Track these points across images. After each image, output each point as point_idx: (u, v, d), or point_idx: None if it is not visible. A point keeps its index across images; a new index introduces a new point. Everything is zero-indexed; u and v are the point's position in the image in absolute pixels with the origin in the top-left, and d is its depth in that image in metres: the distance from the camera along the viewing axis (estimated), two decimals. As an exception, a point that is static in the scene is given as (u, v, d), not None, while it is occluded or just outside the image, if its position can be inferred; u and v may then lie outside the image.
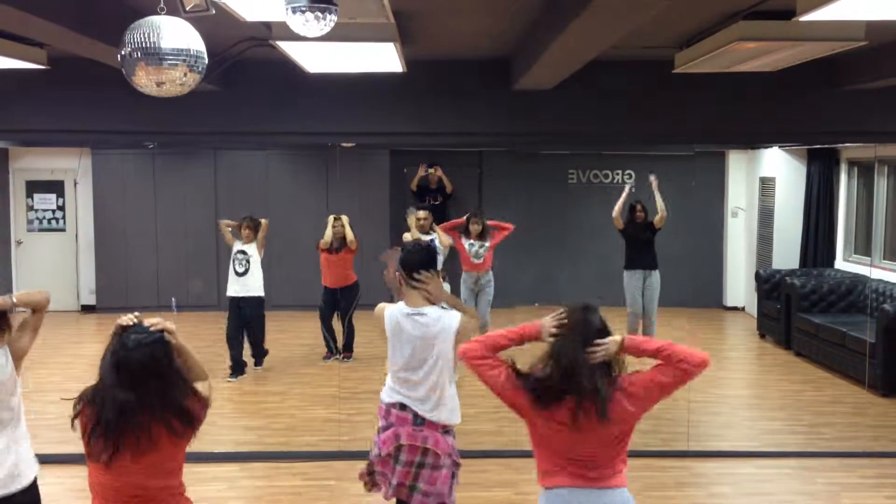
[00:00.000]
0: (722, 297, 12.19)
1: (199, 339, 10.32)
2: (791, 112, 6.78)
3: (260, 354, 9.04)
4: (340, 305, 9.21)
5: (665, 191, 8.95)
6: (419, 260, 4.11)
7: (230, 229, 8.92)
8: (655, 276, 9.29)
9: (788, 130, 7.19)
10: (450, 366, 4.08)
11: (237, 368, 8.76)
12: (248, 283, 8.73)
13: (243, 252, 8.74)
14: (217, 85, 6.29)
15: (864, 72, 6.22)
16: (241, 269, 8.71)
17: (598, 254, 10.55)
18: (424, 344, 4.05)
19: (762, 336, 10.68)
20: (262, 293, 8.81)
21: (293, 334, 10.26)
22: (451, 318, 4.05)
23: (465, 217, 8.90)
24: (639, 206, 9.45)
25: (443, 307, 4.09)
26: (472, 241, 8.70)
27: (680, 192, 11.91)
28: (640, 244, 9.34)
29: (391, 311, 4.18)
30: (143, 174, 12.02)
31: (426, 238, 8.75)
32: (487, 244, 8.71)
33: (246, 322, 8.80)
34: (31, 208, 12.42)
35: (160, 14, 3.23)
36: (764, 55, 5.00)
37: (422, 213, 8.81)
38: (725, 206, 12.27)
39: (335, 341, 9.32)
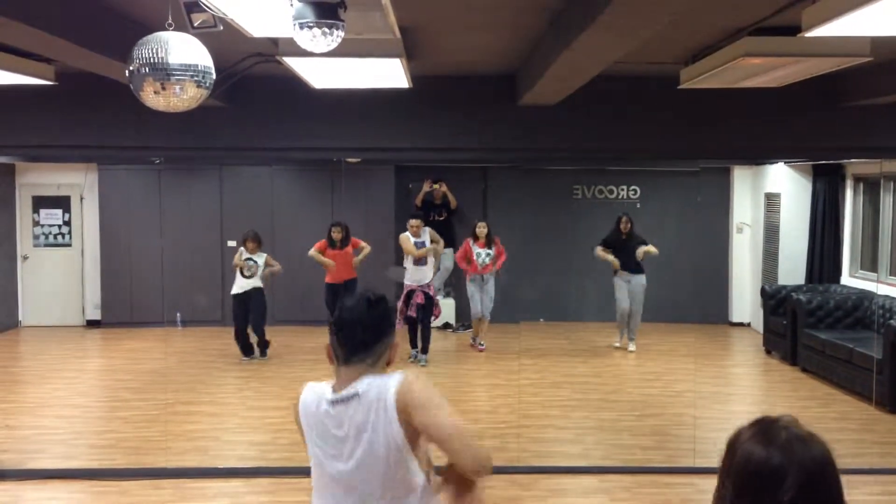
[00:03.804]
0: (728, 312, 12.16)
1: (205, 355, 10.33)
2: (796, 128, 6.78)
3: (262, 345, 9.93)
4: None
5: (670, 207, 9.05)
6: (363, 324, 2.50)
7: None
8: (637, 278, 10.10)
9: (794, 146, 7.18)
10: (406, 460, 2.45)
11: (246, 351, 9.84)
12: (250, 283, 9.81)
13: (252, 260, 9.79)
14: (223, 101, 6.31)
15: (869, 87, 6.22)
16: (248, 274, 9.82)
17: (602, 269, 10.51)
18: (362, 453, 2.43)
19: (768, 352, 10.64)
20: (261, 285, 9.93)
21: (297, 349, 10.24)
22: (385, 384, 2.44)
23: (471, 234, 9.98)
24: (624, 218, 10.26)
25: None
26: (479, 249, 9.94)
27: (685, 208, 11.91)
28: (626, 252, 10.16)
29: (305, 399, 2.55)
30: (149, 190, 12.04)
31: (420, 241, 9.27)
32: (492, 252, 9.96)
33: (248, 310, 9.82)
34: (37, 223, 12.45)
35: (168, 30, 3.25)
36: (769, 71, 5.01)
37: (413, 221, 9.79)
38: (731, 221, 12.25)
39: None
